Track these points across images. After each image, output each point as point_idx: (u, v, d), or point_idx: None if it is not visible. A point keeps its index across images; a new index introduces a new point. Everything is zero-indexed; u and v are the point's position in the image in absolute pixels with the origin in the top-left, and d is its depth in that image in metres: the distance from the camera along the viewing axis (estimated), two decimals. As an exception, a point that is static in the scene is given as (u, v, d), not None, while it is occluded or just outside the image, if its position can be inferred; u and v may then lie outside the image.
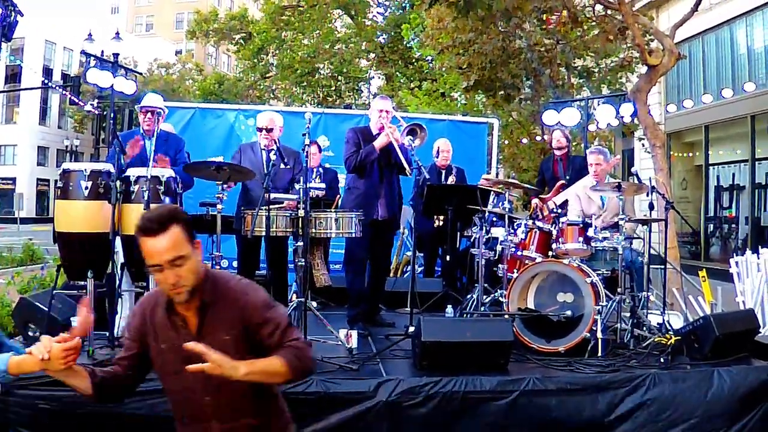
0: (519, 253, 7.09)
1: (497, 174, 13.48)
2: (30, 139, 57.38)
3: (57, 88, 45.01)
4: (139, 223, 3.03)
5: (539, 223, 7.11)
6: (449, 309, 7.20)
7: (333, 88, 31.96)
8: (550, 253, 6.92)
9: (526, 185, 9.28)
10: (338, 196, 8.68)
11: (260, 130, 7.03)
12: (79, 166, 5.92)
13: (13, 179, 57.61)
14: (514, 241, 7.11)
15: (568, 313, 6.23)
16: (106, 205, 5.78)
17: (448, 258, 8.03)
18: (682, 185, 20.79)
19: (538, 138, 21.10)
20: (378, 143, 6.93)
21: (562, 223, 6.85)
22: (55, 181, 6.14)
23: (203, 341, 2.93)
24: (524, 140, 21.63)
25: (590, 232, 6.78)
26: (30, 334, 6.04)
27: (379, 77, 33.16)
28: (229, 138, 11.21)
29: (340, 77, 31.57)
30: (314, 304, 6.35)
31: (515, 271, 6.98)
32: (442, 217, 8.39)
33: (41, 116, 58.84)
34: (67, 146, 53.91)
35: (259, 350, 3.09)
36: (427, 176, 6.87)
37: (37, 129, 57.66)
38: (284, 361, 3.02)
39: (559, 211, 7.34)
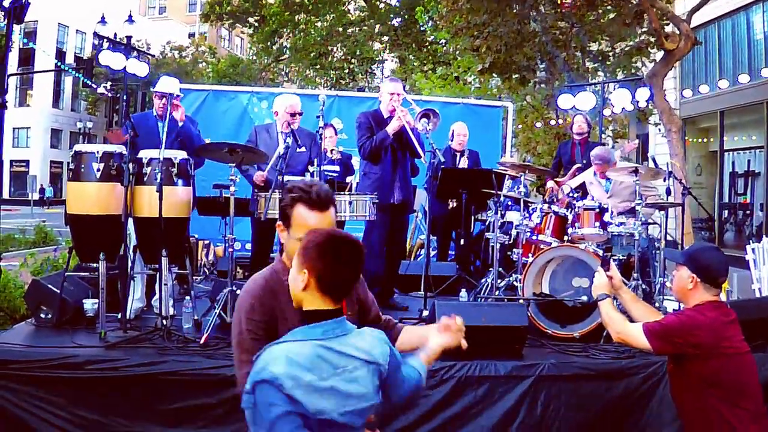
0: (534, 237, 7.03)
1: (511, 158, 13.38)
2: (43, 121, 57.49)
3: (70, 70, 45.03)
4: (310, 195, 3.02)
5: (555, 208, 7.04)
6: (463, 293, 7.14)
7: (346, 71, 31.86)
8: (565, 238, 6.85)
9: (542, 168, 9.20)
10: (352, 178, 8.62)
11: (292, 114, 6.90)
12: (91, 148, 5.88)
13: (27, 162, 57.81)
14: (529, 226, 7.05)
15: (584, 298, 6.14)
16: (119, 187, 5.74)
17: (462, 242, 7.98)
18: (696, 171, 20.68)
19: (553, 122, 20.96)
20: (391, 128, 6.87)
21: (578, 207, 6.77)
22: (68, 164, 6.09)
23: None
24: (538, 124, 21.48)
25: (606, 217, 6.71)
26: (42, 316, 6.02)
27: (392, 60, 33.04)
28: (242, 120, 11.17)
29: (353, 60, 31.47)
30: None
31: (530, 255, 6.93)
32: (455, 201, 8.32)
33: (54, 99, 58.94)
34: (80, 129, 54.03)
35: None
36: (442, 159, 6.81)
37: (50, 112, 57.75)
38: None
39: (576, 194, 7.26)
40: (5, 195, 55.74)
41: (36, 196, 51.60)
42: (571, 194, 7.32)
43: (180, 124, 6.86)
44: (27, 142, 58.81)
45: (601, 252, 6.32)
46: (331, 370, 2.57)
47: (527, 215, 7.13)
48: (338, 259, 2.67)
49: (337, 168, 7.12)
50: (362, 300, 3.29)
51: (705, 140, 21.06)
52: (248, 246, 8.46)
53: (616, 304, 4.19)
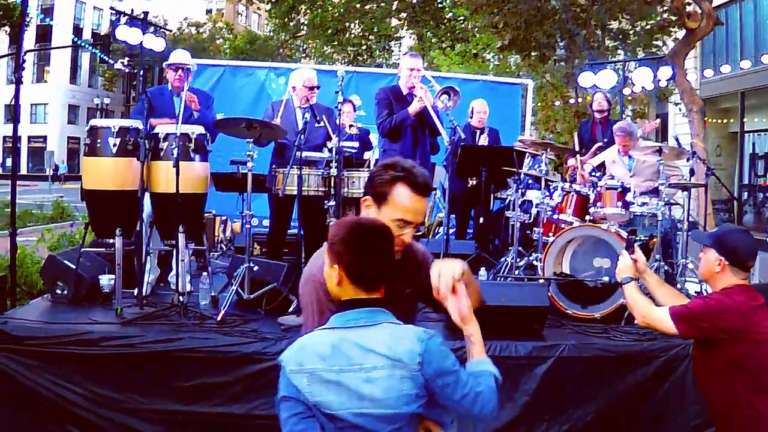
0: (555, 216, 6.93)
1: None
2: (61, 97, 57.67)
3: (87, 46, 45.10)
4: (416, 178, 2.88)
5: (576, 187, 6.94)
6: (482, 272, 7.05)
7: (364, 48, 31.65)
8: (587, 218, 6.74)
9: (563, 146, 9.10)
10: (370, 154, 8.54)
11: (310, 88, 6.82)
12: (107, 123, 5.83)
13: (44, 137, 58.03)
14: (550, 205, 6.95)
15: (605, 278, 6.05)
16: (135, 162, 5.68)
17: (481, 220, 7.89)
18: (716, 152, 20.50)
19: (572, 101, 20.79)
20: (412, 109, 6.80)
21: (600, 187, 6.67)
22: (84, 139, 6.03)
23: (387, 296, 2.75)
24: (557, 103, 21.31)
25: (629, 197, 6.60)
26: (58, 292, 6.00)
27: (410, 37, 32.80)
28: (259, 96, 11.09)
29: (370, 36, 31.27)
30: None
31: (550, 234, 6.84)
32: (475, 179, 8.22)
33: (72, 75, 59.08)
34: (97, 104, 54.13)
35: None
36: (463, 136, 6.73)
37: (67, 88, 57.92)
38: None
39: (598, 173, 7.16)
40: (23, 171, 56.04)
41: (62, 172, 51.85)
42: (592, 173, 7.21)
43: (196, 115, 6.75)
44: (44, 118, 59.04)
45: (623, 232, 6.22)
46: (344, 364, 2.46)
47: (548, 194, 7.03)
48: (366, 249, 2.57)
49: (356, 144, 7.02)
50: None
51: (725, 121, 20.87)
52: (266, 222, 8.41)
53: (640, 287, 4.10)
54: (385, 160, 3.03)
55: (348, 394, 2.44)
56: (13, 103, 6.66)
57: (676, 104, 18.08)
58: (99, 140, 5.73)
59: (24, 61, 6.32)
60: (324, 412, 2.44)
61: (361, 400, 2.44)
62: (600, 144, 8.57)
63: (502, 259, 7.24)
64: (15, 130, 6.61)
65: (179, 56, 6.97)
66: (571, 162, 8.52)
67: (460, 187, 8.44)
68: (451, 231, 8.64)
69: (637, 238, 6.53)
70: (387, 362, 2.47)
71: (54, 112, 58.18)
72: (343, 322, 2.53)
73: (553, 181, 7.36)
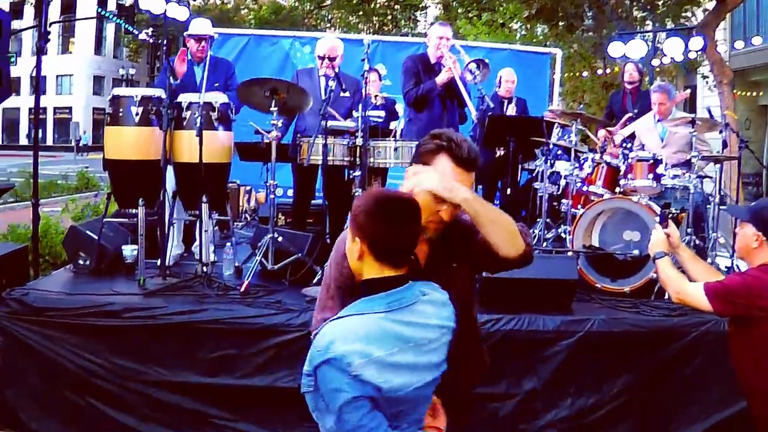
0: (585, 188, 6.79)
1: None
2: (86, 69, 57.93)
3: (111, 17, 45.12)
4: (461, 150, 2.69)
5: (607, 158, 6.79)
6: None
7: (389, 17, 31.47)
8: (617, 190, 6.60)
9: (593, 116, 8.95)
10: (396, 124, 8.44)
11: (321, 58, 6.75)
12: (130, 92, 5.74)
13: (70, 108, 58.36)
14: (580, 176, 6.81)
15: (635, 252, 5.93)
16: (157, 131, 5.59)
17: (508, 191, 7.77)
18: (745, 125, 20.22)
19: (600, 72, 20.57)
20: (440, 79, 6.70)
21: (631, 158, 6.52)
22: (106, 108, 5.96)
23: (432, 273, 2.66)
24: (585, 73, 21.10)
25: (660, 169, 6.45)
26: (80, 262, 5.97)
27: (435, 6, 32.52)
28: (284, 66, 10.96)
29: (396, 6, 31.07)
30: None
31: (579, 206, 6.72)
32: (502, 149, 8.10)
33: (96, 46, 59.31)
34: (122, 75, 54.20)
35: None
36: (491, 105, 6.61)
37: (92, 59, 58.15)
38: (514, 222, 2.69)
39: (629, 144, 7.01)
40: (48, 142, 56.45)
41: (84, 142, 52.15)
42: (623, 144, 7.06)
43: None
44: (70, 89, 59.39)
45: (655, 205, 6.08)
46: (402, 344, 2.35)
47: (578, 165, 6.89)
48: (390, 220, 2.41)
49: (382, 113, 6.91)
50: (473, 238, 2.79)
51: (755, 94, 20.58)
52: (290, 192, 8.32)
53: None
54: (434, 130, 2.83)
55: (413, 370, 2.36)
56: (36, 74, 6.61)
57: (704, 77, 17.83)
58: (121, 110, 5.64)
59: (48, 32, 6.25)
60: (388, 397, 2.31)
61: (423, 371, 2.40)
62: (630, 115, 8.40)
63: (530, 231, 7.12)
64: (37, 100, 6.56)
65: (199, 26, 6.86)
66: (601, 133, 8.37)
67: (487, 157, 8.31)
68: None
69: (671, 211, 6.39)
70: (440, 330, 2.47)
71: (79, 83, 58.47)
72: (385, 306, 2.39)
73: (582, 152, 7.22)
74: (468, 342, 2.85)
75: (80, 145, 51.78)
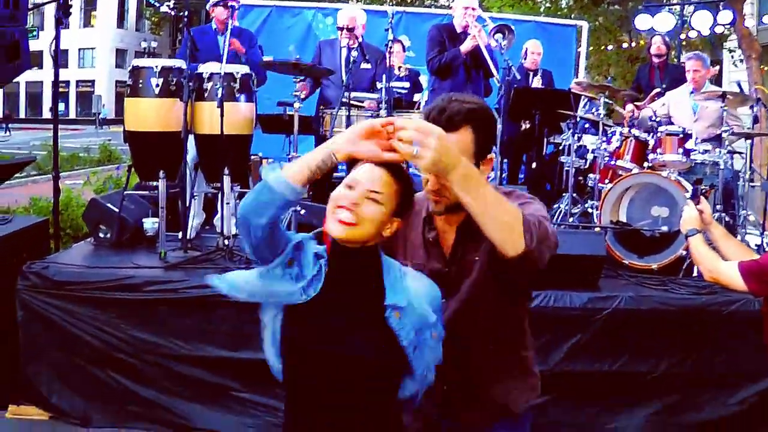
0: (613, 162, 6.67)
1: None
2: (108, 42, 58.03)
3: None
4: (431, 111, 2.40)
5: (635, 132, 6.65)
6: (535, 218, 6.84)
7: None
8: (645, 164, 6.47)
9: (622, 89, 8.81)
10: (420, 96, 8.35)
11: (341, 29, 6.66)
12: (150, 63, 5.65)
13: (92, 82, 58.56)
14: (608, 150, 6.68)
15: (664, 228, 5.81)
16: (178, 103, 5.51)
17: (534, 165, 7.66)
18: (772, 101, 19.92)
19: (625, 45, 20.34)
20: (464, 47, 6.60)
21: (661, 132, 6.39)
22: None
23: (455, 264, 2.49)
24: (610, 47, 20.89)
25: (689, 144, 6.32)
26: (101, 235, 5.92)
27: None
28: (306, 37, 10.88)
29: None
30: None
31: (607, 181, 6.60)
32: (528, 122, 7.99)
33: (119, 19, 59.35)
34: (144, 48, 54.33)
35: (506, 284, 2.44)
36: (518, 77, 6.50)
37: (114, 32, 58.24)
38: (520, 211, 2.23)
39: (658, 118, 6.87)
40: (71, 115, 56.71)
41: (103, 115, 52.32)
42: (652, 118, 6.92)
43: (243, 59, 6.57)
44: (92, 62, 59.56)
45: (684, 181, 5.96)
46: None
47: (605, 139, 6.76)
48: None
49: (406, 84, 6.83)
50: None
51: (782, 69, 20.25)
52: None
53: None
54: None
55: None
56: (55, 46, 6.53)
57: (731, 51, 17.56)
58: (141, 81, 5.56)
59: (69, 5, 6.17)
60: None
61: None
62: (658, 89, 8.27)
63: (555, 206, 7.02)
64: (56, 73, 6.47)
65: None
66: (629, 107, 8.24)
67: (512, 130, 8.21)
68: (502, 176, 8.45)
69: (703, 187, 6.26)
70: None
71: (101, 56, 58.61)
72: None
73: (610, 126, 7.10)
74: (485, 350, 2.58)
75: (100, 118, 51.95)
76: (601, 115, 6.85)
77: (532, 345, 2.75)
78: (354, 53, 5.88)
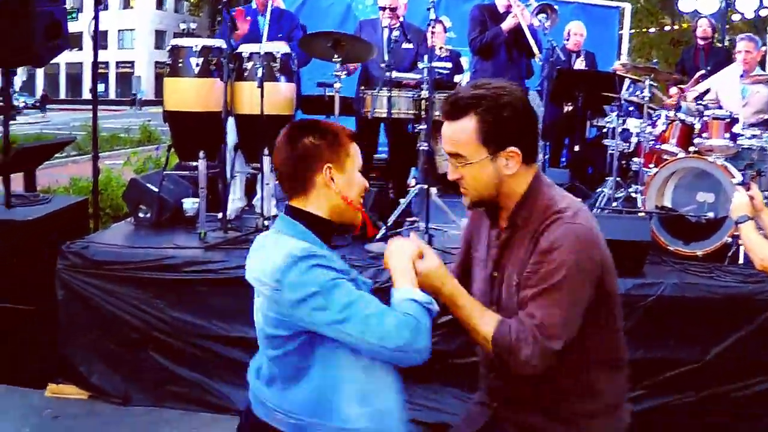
0: (658, 146, 6.54)
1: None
2: (147, 23, 58.48)
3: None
4: (443, 104, 2.41)
5: (681, 115, 6.51)
6: (578, 202, 6.73)
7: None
8: (691, 149, 6.34)
9: (668, 72, 8.65)
10: (461, 77, 8.26)
11: (382, 9, 6.59)
12: (189, 42, 5.63)
13: (132, 63, 59.03)
14: (653, 133, 6.56)
15: (710, 214, 5.69)
16: (218, 83, 5.48)
17: (576, 148, 7.55)
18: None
19: (667, 28, 20.07)
20: (506, 25, 6.51)
21: (707, 116, 6.25)
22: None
23: (499, 270, 2.40)
24: (652, 29, 20.60)
25: (737, 128, 6.17)
26: (141, 215, 5.93)
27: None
28: (345, 18, 10.81)
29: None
30: (434, 190, 5.96)
31: (651, 165, 6.48)
32: (570, 105, 7.87)
33: (158, 1, 59.66)
34: (183, 30, 54.60)
35: None
36: (563, 57, 6.40)
37: (154, 13, 58.69)
38: (494, 323, 2.26)
39: (703, 102, 6.73)
40: (111, 96, 57.23)
41: (140, 96, 52.78)
42: (697, 102, 6.78)
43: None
44: (131, 43, 60.05)
45: (731, 166, 5.82)
46: None
47: (650, 122, 6.63)
48: None
49: (448, 64, 6.74)
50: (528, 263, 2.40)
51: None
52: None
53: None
54: None
55: None
56: (95, 28, 6.57)
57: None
58: (181, 60, 5.54)
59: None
60: None
61: None
62: (703, 72, 8.11)
63: (599, 190, 6.91)
64: (96, 54, 6.48)
65: None
66: (673, 91, 8.09)
67: (554, 113, 8.11)
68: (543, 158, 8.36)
69: (751, 173, 6.12)
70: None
71: (141, 37, 59.10)
72: None
73: (655, 108, 6.96)
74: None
75: (137, 99, 52.40)
76: (646, 98, 6.71)
77: (605, 367, 2.43)
78: (395, 33, 5.79)
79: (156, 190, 5.85)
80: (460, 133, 2.27)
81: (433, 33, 5.79)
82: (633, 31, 20.02)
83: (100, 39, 7.52)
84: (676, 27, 19.93)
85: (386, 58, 5.54)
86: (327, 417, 2.24)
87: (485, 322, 2.28)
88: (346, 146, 2.36)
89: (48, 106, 50.31)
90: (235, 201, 6.24)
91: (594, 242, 2.28)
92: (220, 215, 5.66)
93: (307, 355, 2.26)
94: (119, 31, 59.48)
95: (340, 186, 2.34)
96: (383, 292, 2.37)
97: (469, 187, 2.36)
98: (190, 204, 5.96)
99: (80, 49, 53.37)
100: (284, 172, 2.37)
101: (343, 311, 2.15)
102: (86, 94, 58.63)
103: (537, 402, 2.40)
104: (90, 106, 6.65)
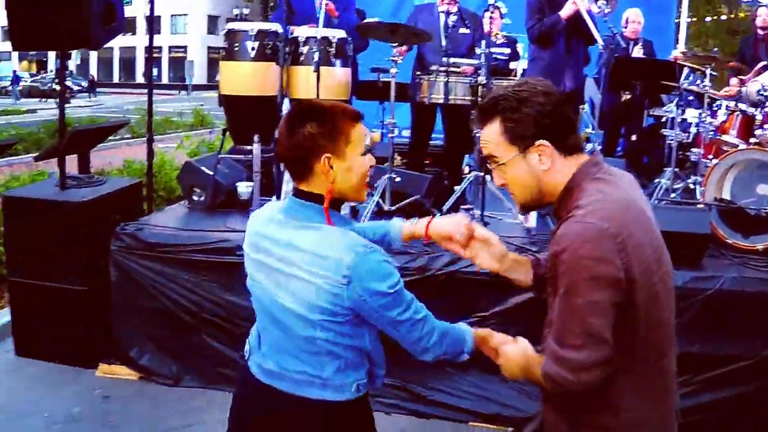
0: (718, 137, 6.40)
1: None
2: (200, 8, 58.88)
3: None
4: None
5: (742, 106, 6.36)
6: (636, 193, 6.60)
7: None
8: (752, 140, 6.19)
9: (730, 61, 8.46)
10: (517, 64, 8.16)
11: None
12: (245, 26, 5.64)
13: (185, 47, 59.49)
14: (713, 124, 6.42)
15: (772, 207, 5.56)
16: (274, 66, 5.49)
17: (633, 138, 7.41)
18: None
19: (724, 17, 19.70)
20: (564, 12, 6.37)
21: (769, 107, 6.11)
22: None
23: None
24: (708, 18, 20.25)
25: (799, 119, 6.03)
26: (195, 198, 5.95)
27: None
28: (401, 2, 10.67)
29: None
30: (490, 178, 5.89)
31: (711, 156, 6.35)
32: (628, 93, 7.73)
33: (211, -15, 60.05)
34: (236, 15, 54.77)
35: None
36: (623, 44, 6.28)
37: (207, -2, 58.93)
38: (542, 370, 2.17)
39: (765, 93, 6.56)
40: (164, 80, 57.77)
41: (194, 81, 53.20)
42: (761, 92, 6.62)
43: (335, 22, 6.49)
44: (185, 28, 60.48)
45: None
46: None
47: (710, 112, 6.49)
48: None
49: (506, 50, 6.67)
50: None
51: None
52: (404, 133, 8.17)
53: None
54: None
55: None
56: (149, 12, 6.63)
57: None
58: (237, 44, 5.56)
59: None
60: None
61: None
62: (764, 63, 7.91)
63: (657, 180, 6.79)
64: (150, 38, 6.52)
65: None
66: (733, 81, 7.91)
67: (611, 101, 7.97)
68: (598, 148, 8.23)
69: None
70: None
71: (194, 22, 59.51)
72: None
73: (716, 98, 6.81)
74: None
75: (186, 84, 52.83)
76: (707, 88, 6.56)
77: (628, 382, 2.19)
78: (452, 18, 5.73)
79: (210, 173, 5.88)
80: (489, 136, 2.24)
81: (491, 19, 5.72)
82: (690, 19, 19.76)
83: (153, 23, 7.56)
84: (732, 16, 19.52)
85: (443, 43, 5.46)
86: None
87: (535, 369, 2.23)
88: (346, 132, 2.30)
89: (100, 90, 50.99)
90: (289, 184, 6.24)
91: (604, 240, 2.06)
92: (273, 199, 5.66)
93: (345, 334, 2.31)
94: (172, 16, 59.97)
95: (339, 173, 2.31)
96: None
97: (514, 190, 2.30)
98: (244, 188, 5.97)
99: (133, 33, 53.98)
100: (286, 159, 2.37)
101: (404, 314, 2.25)
102: (139, 78, 59.29)
103: (562, 410, 2.31)
104: (143, 90, 6.69)
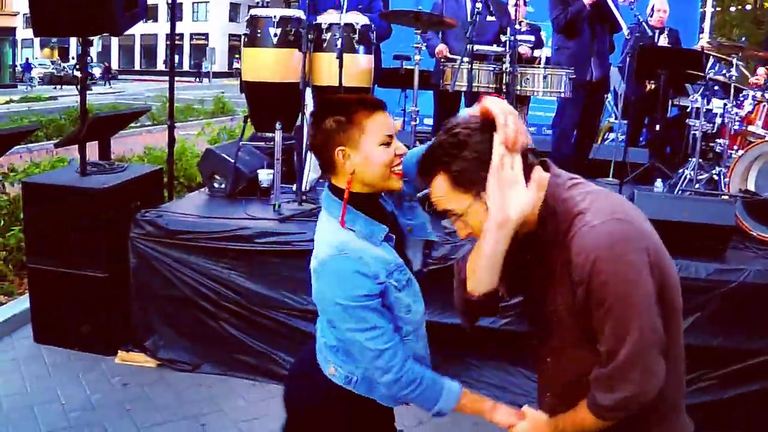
0: (744, 128, 6.32)
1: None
2: (222, -5, 58.80)
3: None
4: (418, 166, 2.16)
5: (769, 96, 6.29)
6: (658, 183, 6.53)
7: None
8: (778, 132, 6.12)
9: (754, 51, 8.35)
10: (541, 52, 8.10)
11: None
12: (268, 12, 5.60)
13: (206, 35, 59.55)
14: (739, 114, 6.34)
15: (794, 199, 5.48)
16: (296, 53, 5.46)
17: (657, 127, 7.33)
18: None
19: (749, 7, 19.52)
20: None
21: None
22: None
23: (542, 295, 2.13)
24: (732, 8, 20.05)
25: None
26: (215, 185, 5.94)
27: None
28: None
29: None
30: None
31: (736, 147, 6.27)
32: (653, 83, 7.65)
33: (233, -27, 60.06)
34: (258, 2, 54.87)
35: None
36: (649, 32, 6.20)
37: (228, -15, 58.97)
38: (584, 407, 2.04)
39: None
40: (185, 67, 57.89)
41: (215, 69, 53.25)
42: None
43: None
44: (206, 15, 60.50)
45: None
46: None
47: (737, 103, 6.41)
48: None
49: (531, 38, 6.61)
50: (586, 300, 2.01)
51: None
52: (426, 121, 8.13)
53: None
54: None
55: None
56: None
57: None
58: (259, 30, 5.54)
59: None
60: None
61: None
62: (789, 53, 7.82)
63: (681, 171, 6.71)
64: (172, 27, 6.50)
65: None
66: (760, 71, 7.82)
67: (635, 91, 7.89)
68: (621, 138, 8.16)
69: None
70: None
71: (215, 9, 59.53)
72: None
73: (743, 89, 6.72)
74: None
75: (203, 72, 52.85)
76: (734, 78, 6.48)
77: None
78: (478, 5, 5.67)
79: (231, 160, 5.86)
80: (438, 191, 2.06)
81: (516, 7, 5.67)
82: (714, 9, 19.57)
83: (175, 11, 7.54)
84: (758, 5, 19.34)
85: (469, 31, 5.41)
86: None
87: (581, 417, 2.08)
88: (359, 123, 2.23)
89: (122, 77, 51.05)
90: (311, 173, 6.21)
91: (629, 231, 1.92)
92: (294, 187, 5.63)
93: None
94: (193, 3, 60.06)
95: (357, 164, 2.25)
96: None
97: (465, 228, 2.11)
98: (265, 175, 5.94)
99: (155, 20, 54.05)
100: (314, 153, 2.36)
101: (355, 333, 2.23)
102: (160, 65, 59.44)
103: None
104: (163, 77, 6.68)
